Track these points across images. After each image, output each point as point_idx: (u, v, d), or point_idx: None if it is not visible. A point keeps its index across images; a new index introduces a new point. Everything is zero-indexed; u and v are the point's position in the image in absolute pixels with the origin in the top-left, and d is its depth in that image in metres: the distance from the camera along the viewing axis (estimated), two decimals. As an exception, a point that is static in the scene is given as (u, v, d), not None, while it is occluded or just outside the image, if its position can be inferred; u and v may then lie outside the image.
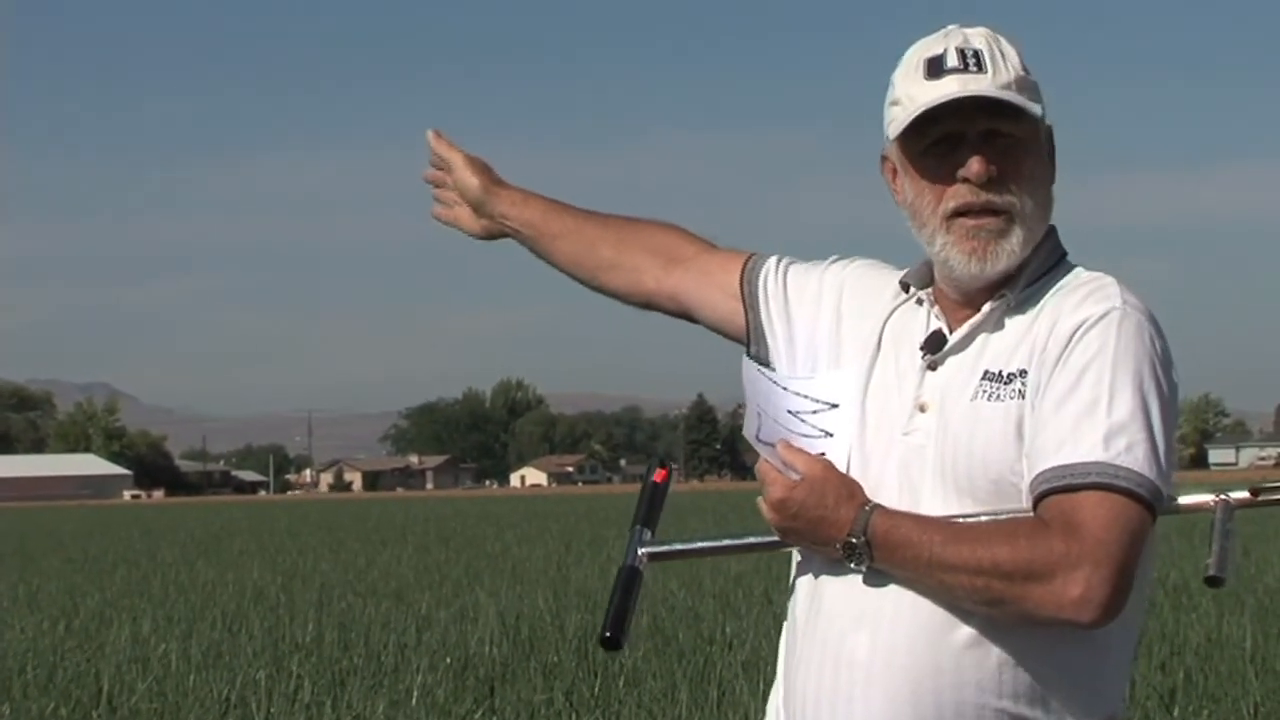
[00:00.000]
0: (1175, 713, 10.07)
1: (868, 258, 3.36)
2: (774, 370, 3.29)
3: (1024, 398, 2.95)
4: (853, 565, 2.97)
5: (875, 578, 2.98)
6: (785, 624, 3.20)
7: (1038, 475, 2.88)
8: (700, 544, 3.41)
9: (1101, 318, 2.95)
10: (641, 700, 11.01)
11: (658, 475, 3.32)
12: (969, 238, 3.03)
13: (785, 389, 3.17)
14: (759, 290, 3.39)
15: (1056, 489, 2.85)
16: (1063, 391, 2.91)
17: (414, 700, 11.18)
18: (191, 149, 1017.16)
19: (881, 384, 3.14)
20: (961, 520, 2.91)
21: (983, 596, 2.85)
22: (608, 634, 3.13)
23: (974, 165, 3.01)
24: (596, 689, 11.48)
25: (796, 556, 3.17)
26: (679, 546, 3.36)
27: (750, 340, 3.39)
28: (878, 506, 2.95)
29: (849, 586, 3.03)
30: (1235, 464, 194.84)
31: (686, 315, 3.53)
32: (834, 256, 3.39)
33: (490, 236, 3.72)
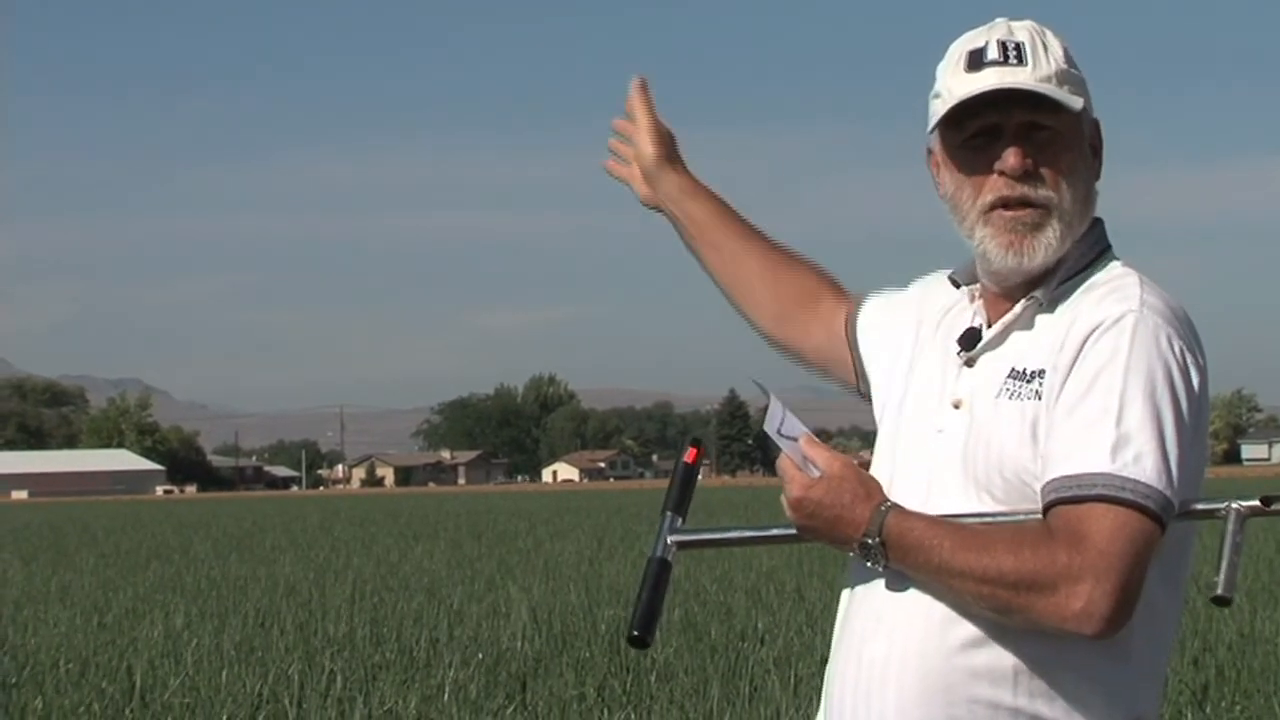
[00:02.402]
0: (1208, 709, 10.05)
1: (943, 269, 3.32)
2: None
3: (1040, 399, 2.92)
4: (869, 565, 2.96)
5: (894, 579, 2.97)
6: None
7: (1047, 484, 2.85)
8: (730, 533, 3.36)
9: (1116, 321, 2.90)
10: (673, 695, 11.01)
11: (689, 456, 3.21)
12: (1006, 230, 2.99)
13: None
14: (858, 331, 3.41)
15: (1064, 499, 2.82)
16: (1075, 398, 2.87)
17: (446, 695, 11.19)
18: (226, 145, 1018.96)
19: (926, 379, 3.14)
20: (974, 523, 2.89)
21: (990, 604, 2.84)
22: (635, 633, 3.06)
23: (1010, 158, 2.98)
24: (628, 684, 11.48)
25: (847, 561, 3.15)
26: (708, 535, 3.29)
27: (858, 380, 3.41)
28: (894, 507, 2.92)
29: (871, 589, 3.02)
30: (1268, 459, 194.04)
31: (809, 363, 3.54)
32: (917, 280, 3.40)
33: (652, 207, 3.70)
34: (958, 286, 3.20)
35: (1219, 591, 2.82)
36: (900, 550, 2.89)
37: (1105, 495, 2.79)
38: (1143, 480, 2.80)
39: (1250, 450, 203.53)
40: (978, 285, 3.15)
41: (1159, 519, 2.81)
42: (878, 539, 2.90)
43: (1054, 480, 2.84)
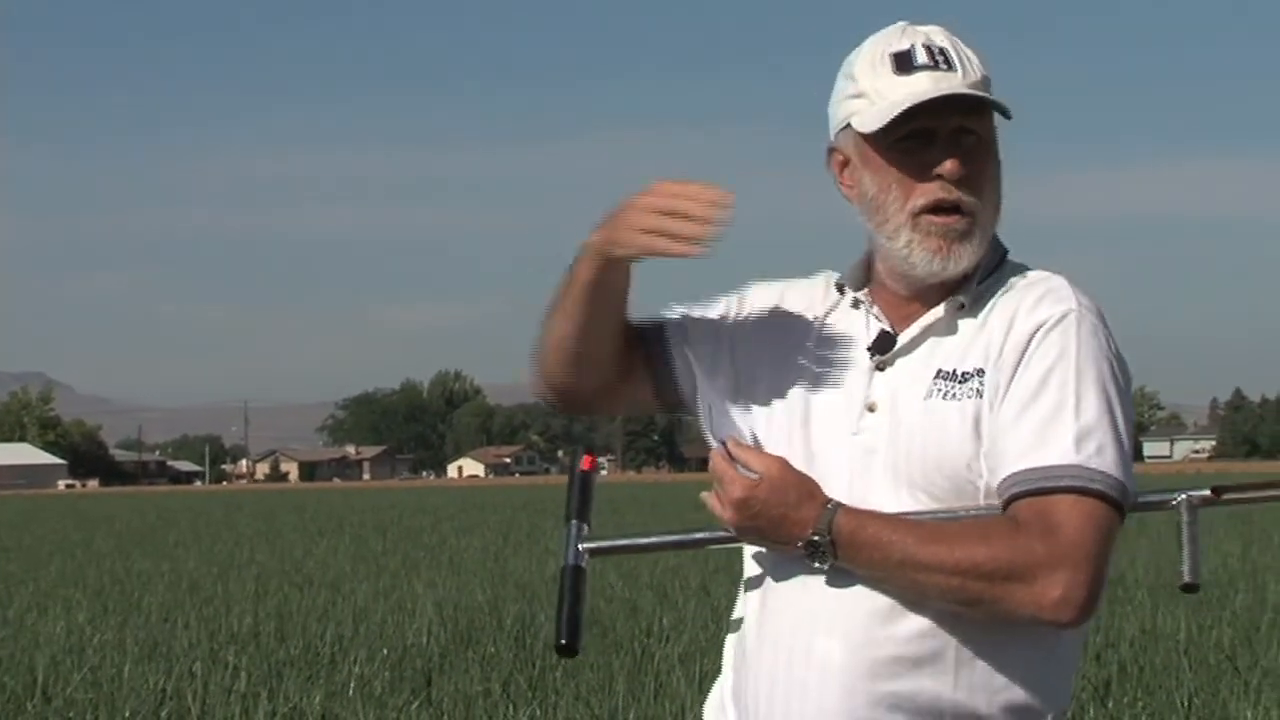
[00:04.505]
0: (1110, 704, 10.13)
1: (759, 280, 3.26)
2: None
3: (982, 396, 2.94)
4: (815, 564, 2.93)
5: (832, 575, 2.96)
6: (731, 620, 3.17)
7: (1007, 478, 2.88)
8: (645, 539, 3.32)
9: (1060, 320, 2.94)
10: (579, 691, 11.01)
11: (585, 463, 3.20)
12: (936, 236, 2.99)
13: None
14: (687, 352, 3.24)
15: (1030, 491, 2.86)
16: (1027, 395, 2.91)
17: (351, 691, 11.15)
18: (133, 141, 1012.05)
19: (825, 386, 3.10)
20: (930, 520, 2.90)
21: (958, 596, 2.85)
22: (563, 641, 3.04)
23: (949, 165, 2.97)
24: (534, 679, 11.48)
25: (749, 555, 3.13)
26: (623, 542, 3.24)
27: (675, 392, 3.26)
28: (841, 505, 2.92)
29: (801, 584, 3.00)
30: (1170, 456, 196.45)
31: (630, 413, 3.47)
32: (722, 295, 3.28)
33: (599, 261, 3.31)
34: (841, 292, 3.17)
35: (1185, 579, 2.92)
36: (852, 548, 2.89)
37: (1074, 486, 2.85)
38: (1106, 470, 2.87)
39: (1152, 448, 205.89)
40: (867, 290, 3.13)
41: (1121, 508, 2.88)
42: (826, 537, 2.90)
43: (1016, 474, 2.87)
